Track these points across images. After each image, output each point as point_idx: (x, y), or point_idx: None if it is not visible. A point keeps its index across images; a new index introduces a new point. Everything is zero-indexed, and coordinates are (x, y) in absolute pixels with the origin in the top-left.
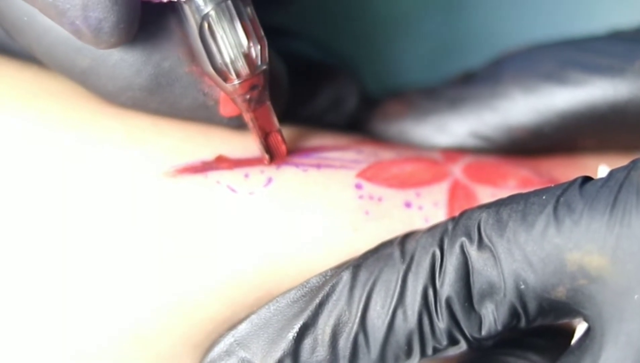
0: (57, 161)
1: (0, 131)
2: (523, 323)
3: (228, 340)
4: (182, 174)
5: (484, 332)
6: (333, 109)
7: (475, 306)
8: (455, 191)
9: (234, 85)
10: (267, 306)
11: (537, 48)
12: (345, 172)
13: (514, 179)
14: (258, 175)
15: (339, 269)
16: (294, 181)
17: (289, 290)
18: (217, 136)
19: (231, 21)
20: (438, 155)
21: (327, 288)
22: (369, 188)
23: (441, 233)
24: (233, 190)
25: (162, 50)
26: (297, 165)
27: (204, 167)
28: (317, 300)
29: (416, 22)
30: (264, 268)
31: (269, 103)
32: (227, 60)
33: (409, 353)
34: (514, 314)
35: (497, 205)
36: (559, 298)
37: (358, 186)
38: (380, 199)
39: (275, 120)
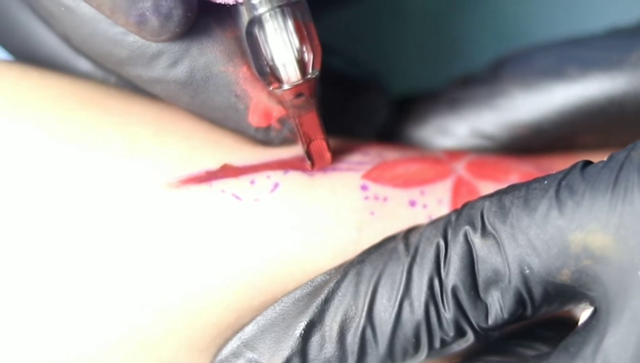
0: (57, 170)
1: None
2: (529, 310)
3: (235, 342)
4: (186, 184)
5: (490, 321)
6: (363, 122)
7: (481, 294)
8: (458, 188)
9: (282, 90)
10: (272, 307)
11: (535, 48)
12: (351, 174)
13: (516, 174)
14: (264, 181)
15: (343, 266)
16: (300, 185)
17: (294, 290)
18: (223, 146)
19: (285, 23)
20: (442, 154)
21: (332, 285)
22: (374, 188)
23: (444, 224)
24: (238, 198)
25: (201, 46)
26: (303, 170)
27: (208, 177)
28: (323, 297)
29: (416, 26)
30: (269, 273)
31: (315, 111)
32: (278, 63)
33: (417, 346)
34: (519, 301)
35: (499, 194)
36: (564, 282)
37: (364, 188)
38: (385, 199)
39: (321, 128)
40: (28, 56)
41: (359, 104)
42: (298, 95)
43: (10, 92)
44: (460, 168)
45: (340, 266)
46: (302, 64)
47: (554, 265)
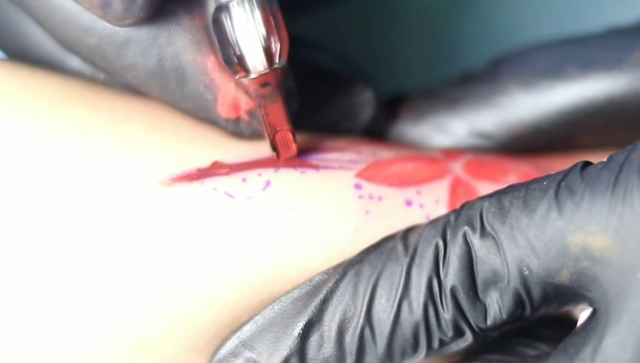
0: (48, 168)
1: None
2: (528, 311)
3: (233, 341)
4: (178, 182)
5: (489, 322)
6: (348, 118)
7: (480, 295)
8: (456, 188)
9: (248, 79)
10: (270, 307)
11: (534, 46)
12: (344, 173)
13: (515, 175)
14: (256, 179)
15: (341, 265)
16: (292, 183)
17: (292, 289)
18: (213, 142)
19: (252, 12)
20: (438, 153)
21: (330, 284)
22: (368, 187)
23: (443, 224)
24: (231, 196)
25: (169, 34)
26: (295, 167)
27: (200, 174)
28: (321, 296)
29: (414, 24)
30: (265, 271)
31: (282, 101)
32: (245, 51)
33: (415, 346)
34: (518, 302)
35: (498, 194)
36: (563, 283)
37: (357, 186)
38: (380, 199)
39: (287, 118)
40: (19, 53)
41: (344, 100)
42: (264, 85)
43: (1, 90)
44: (458, 167)
45: (338, 265)
46: (268, 53)
47: (553, 266)
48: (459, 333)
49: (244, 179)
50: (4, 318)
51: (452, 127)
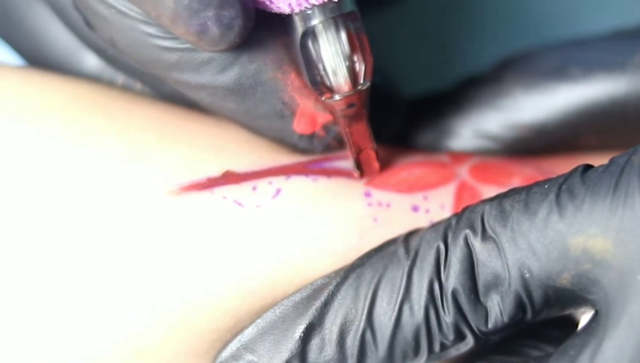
0: (60, 176)
1: (1, 145)
2: (529, 314)
3: (235, 345)
4: (187, 191)
5: (490, 325)
6: (381, 127)
7: (481, 298)
8: (461, 193)
9: (334, 100)
10: (272, 310)
11: (538, 49)
12: (354, 180)
13: (519, 178)
14: (266, 187)
15: (342, 269)
16: (302, 191)
17: (294, 293)
18: (226, 151)
19: (338, 34)
20: (445, 158)
21: (331, 288)
22: (377, 195)
23: (445, 228)
24: (240, 204)
25: (251, 53)
26: (307, 175)
27: (209, 183)
28: (322, 299)
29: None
30: (270, 279)
31: (366, 121)
32: (330, 73)
33: (416, 349)
34: (519, 305)
35: (500, 197)
36: (564, 286)
37: (367, 194)
38: (389, 205)
39: (370, 138)
40: (34, 55)
41: (377, 110)
42: (349, 105)
43: (13, 98)
44: (464, 172)
45: (340, 269)
46: (353, 74)
47: (554, 268)
48: (460, 336)
49: (254, 188)
50: (8, 319)
51: (458, 130)
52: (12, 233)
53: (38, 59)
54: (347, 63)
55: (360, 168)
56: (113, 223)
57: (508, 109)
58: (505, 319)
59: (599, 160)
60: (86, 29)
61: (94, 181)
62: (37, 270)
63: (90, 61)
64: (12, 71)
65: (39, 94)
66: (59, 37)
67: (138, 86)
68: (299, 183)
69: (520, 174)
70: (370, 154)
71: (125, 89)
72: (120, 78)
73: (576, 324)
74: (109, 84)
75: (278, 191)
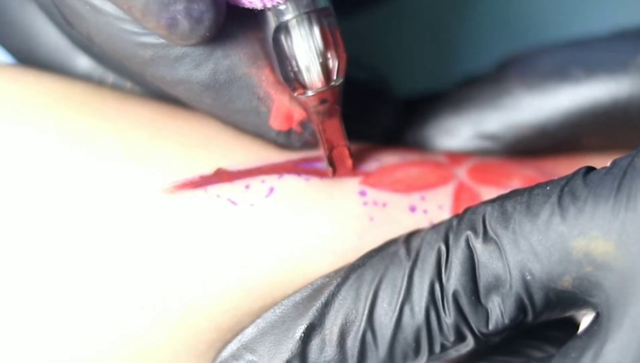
0: (54, 177)
1: None
2: (530, 316)
3: (235, 344)
4: (181, 190)
5: (491, 326)
6: (374, 126)
7: (482, 300)
8: (460, 194)
9: (306, 96)
10: (272, 310)
11: (540, 49)
12: (348, 179)
13: (518, 179)
14: (259, 185)
15: (343, 269)
16: (296, 190)
17: (294, 293)
18: (218, 149)
19: (311, 30)
20: (443, 158)
21: (332, 288)
22: (373, 194)
23: (446, 229)
24: (234, 203)
25: (225, 48)
26: (299, 174)
27: (203, 181)
28: (323, 300)
29: (418, 27)
30: (267, 277)
31: (339, 118)
32: (303, 69)
33: (417, 350)
34: (520, 307)
35: (501, 199)
36: (566, 288)
37: (362, 193)
38: (385, 205)
39: (343, 135)
40: (26, 55)
41: (370, 109)
42: (322, 101)
43: (5, 97)
44: (462, 172)
45: (340, 269)
46: (326, 70)
47: (556, 271)
48: (460, 337)
49: (247, 186)
50: (7, 319)
51: (458, 129)
52: (10, 233)
53: (30, 58)
54: (321, 59)
55: (333, 165)
56: (110, 222)
57: (509, 109)
58: (506, 321)
59: (600, 161)
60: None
61: (88, 180)
62: (36, 270)
63: (82, 60)
64: (3, 70)
65: (31, 93)
66: (50, 36)
67: (127, 85)
68: (292, 182)
69: (520, 175)
70: (343, 151)
71: (115, 88)
72: (111, 77)
73: (577, 325)
74: (100, 83)
75: (271, 189)
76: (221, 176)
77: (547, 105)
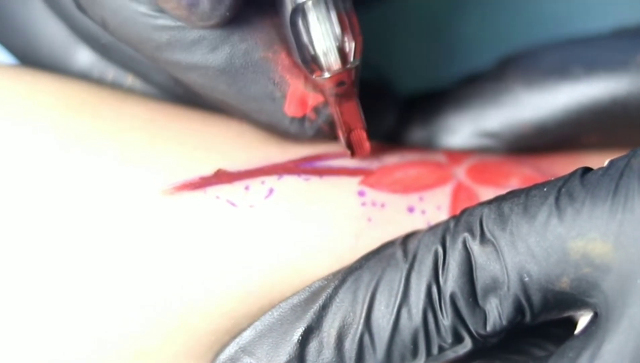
0: (54, 178)
1: None
2: (528, 318)
3: (232, 347)
4: (180, 191)
5: (489, 328)
6: (374, 124)
7: (480, 301)
8: (458, 194)
9: (323, 78)
10: (270, 313)
11: (540, 46)
12: (348, 179)
13: (517, 178)
14: (259, 187)
15: (340, 272)
16: (295, 191)
17: (292, 295)
18: (217, 150)
19: (327, 13)
20: (442, 157)
21: (329, 291)
22: (372, 194)
23: (443, 231)
24: (233, 204)
25: (242, 32)
26: (299, 174)
27: (202, 183)
28: (320, 302)
29: (418, 25)
30: (265, 279)
31: (356, 100)
32: (320, 51)
33: (414, 352)
34: (518, 308)
35: (498, 200)
36: (564, 289)
37: (361, 194)
38: (383, 206)
39: (361, 117)
40: (26, 51)
41: (371, 107)
42: (339, 83)
43: (4, 97)
44: (461, 172)
45: (338, 272)
46: (343, 52)
47: (554, 272)
48: (458, 339)
49: (246, 188)
50: (7, 320)
51: (458, 127)
52: (9, 234)
53: (29, 55)
54: (337, 42)
55: (351, 148)
56: (110, 223)
57: (509, 107)
58: (504, 322)
59: (599, 159)
60: (78, 18)
61: (87, 181)
62: (36, 271)
63: (82, 57)
64: (2, 70)
65: (29, 94)
66: (50, 32)
67: (129, 80)
68: (291, 183)
69: (519, 175)
70: (361, 134)
71: (115, 85)
72: (111, 73)
73: (575, 324)
74: (100, 80)
75: (271, 191)
76: (221, 177)
77: (547, 103)
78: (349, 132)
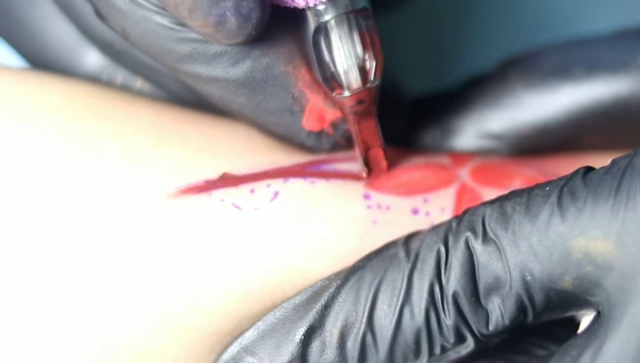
0: (58, 180)
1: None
2: (530, 317)
3: (235, 347)
4: (185, 194)
5: (491, 327)
6: (384, 129)
7: (482, 301)
8: (462, 195)
9: (343, 96)
10: (272, 313)
11: (541, 48)
12: (353, 183)
13: (520, 179)
14: (264, 190)
15: (343, 272)
16: (301, 194)
17: (294, 295)
18: (223, 153)
19: (350, 32)
20: (446, 159)
21: (332, 290)
22: (377, 197)
23: (445, 230)
24: (238, 207)
25: (263, 46)
26: (305, 177)
27: (207, 186)
28: (323, 302)
29: (420, 27)
30: (269, 282)
31: (375, 118)
32: (341, 70)
33: (417, 352)
34: (520, 307)
35: (501, 200)
36: (566, 288)
37: (366, 197)
38: (388, 208)
39: (379, 136)
40: (34, 53)
41: (380, 111)
42: (359, 102)
43: (11, 99)
44: (465, 174)
45: (340, 271)
46: (364, 71)
47: (556, 271)
48: (460, 339)
49: (252, 191)
50: (8, 320)
51: (460, 128)
52: (11, 236)
53: (38, 57)
54: (358, 61)
55: (368, 166)
56: (113, 226)
57: (511, 108)
58: (507, 322)
59: (601, 160)
60: (92, 23)
61: (93, 184)
62: (37, 272)
63: (90, 59)
64: (9, 72)
65: (35, 95)
66: (59, 35)
67: (137, 84)
68: (297, 186)
69: (522, 176)
70: (378, 152)
71: (123, 89)
72: (120, 77)
73: (577, 324)
74: (108, 83)
75: (276, 194)
76: (226, 180)
77: (549, 104)
78: (366, 150)
